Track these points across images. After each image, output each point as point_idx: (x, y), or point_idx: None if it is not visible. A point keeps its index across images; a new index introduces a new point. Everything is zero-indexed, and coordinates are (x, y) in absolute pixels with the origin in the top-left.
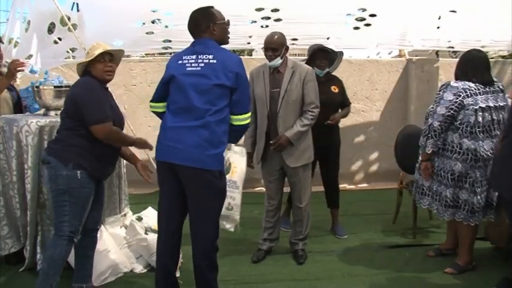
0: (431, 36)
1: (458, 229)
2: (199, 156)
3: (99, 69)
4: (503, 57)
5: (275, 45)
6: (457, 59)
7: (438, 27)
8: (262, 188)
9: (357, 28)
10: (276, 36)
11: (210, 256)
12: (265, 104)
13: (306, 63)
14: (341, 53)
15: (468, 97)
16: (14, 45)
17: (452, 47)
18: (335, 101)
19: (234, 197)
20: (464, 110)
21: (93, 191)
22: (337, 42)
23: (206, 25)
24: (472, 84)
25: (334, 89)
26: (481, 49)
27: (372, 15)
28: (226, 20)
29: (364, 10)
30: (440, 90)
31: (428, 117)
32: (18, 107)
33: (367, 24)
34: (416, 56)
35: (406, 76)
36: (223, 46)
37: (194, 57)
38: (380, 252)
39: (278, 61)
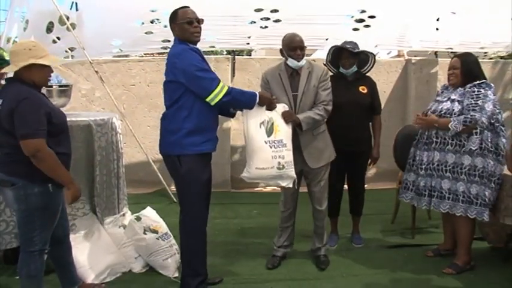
0: (430, 37)
1: (457, 229)
2: (162, 144)
3: (43, 74)
4: (502, 57)
5: (302, 44)
6: None
7: (437, 29)
8: (261, 188)
9: (356, 29)
10: (298, 37)
11: (189, 264)
12: (289, 107)
13: (331, 62)
14: (372, 54)
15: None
16: (12, 44)
17: (451, 48)
18: (362, 101)
19: (282, 155)
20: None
21: (62, 200)
22: (336, 44)
23: (170, 25)
24: None
25: (363, 89)
26: (480, 50)
27: (371, 17)
28: (189, 19)
29: (363, 11)
30: (479, 88)
31: (465, 112)
32: None
33: (367, 26)
34: (415, 56)
35: (405, 76)
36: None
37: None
38: (379, 252)
39: (304, 61)
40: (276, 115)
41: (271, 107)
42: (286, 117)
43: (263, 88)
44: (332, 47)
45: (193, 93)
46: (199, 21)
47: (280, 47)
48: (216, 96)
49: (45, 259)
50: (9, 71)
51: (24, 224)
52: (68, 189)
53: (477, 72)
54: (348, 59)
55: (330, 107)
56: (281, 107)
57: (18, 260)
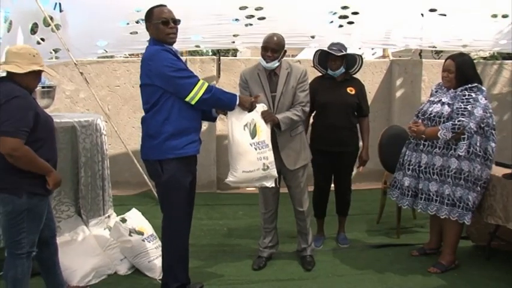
0: (413, 35)
1: (445, 230)
2: (142, 149)
3: (36, 81)
4: (484, 58)
5: (275, 46)
6: (441, 60)
7: (422, 28)
8: (248, 189)
9: (341, 26)
10: (275, 37)
11: (170, 269)
12: (268, 107)
13: (320, 63)
14: (360, 56)
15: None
16: None
17: (435, 47)
18: (349, 102)
19: (266, 156)
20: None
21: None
22: (321, 41)
23: (146, 24)
24: None
25: (351, 90)
26: (462, 49)
27: (355, 13)
28: (164, 19)
29: (346, 8)
30: (470, 92)
31: (454, 116)
32: None
33: (350, 22)
34: (399, 56)
35: (389, 77)
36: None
37: None
38: (364, 252)
39: (275, 64)
40: (256, 115)
41: (252, 108)
42: (266, 116)
43: (242, 87)
44: (317, 51)
45: (171, 96)
46: (176, 22)
47: None
48: (196, 95)
49: (31, 262)
50: (14, 71)
51: (10, 227)
52: (48, 176)
53: (471, 75)
54: (335, 62)
55: (307, 108)
56: (260, 107)
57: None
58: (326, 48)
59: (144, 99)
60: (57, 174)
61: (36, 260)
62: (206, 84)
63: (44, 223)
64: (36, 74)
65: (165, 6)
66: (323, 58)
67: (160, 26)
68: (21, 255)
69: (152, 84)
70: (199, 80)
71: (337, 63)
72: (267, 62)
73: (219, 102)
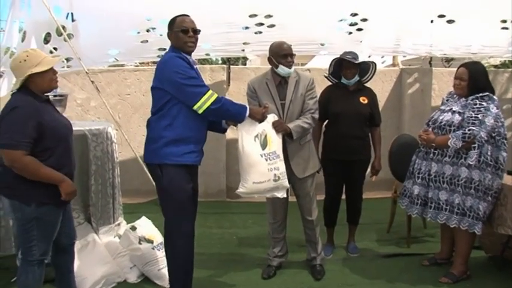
0: (424, 42)
1: (457, 240)
2: (145, 152)
3: (46, 79)
4: (495, 66)
5: (292, 51)
6: (451, 68)
7: (431, 35)
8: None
9: (350, 33)
10: (286, 44)
11: (176, 280)
12: (278, 116)
13: (332, 72)
14: (374, 64)
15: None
16: (9, 55)
17: (445, 54)
18: (362, 112)
19: (277, 167)
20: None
21: (61, 213)
22: (330, 49)
23: (168, 32)
24: None
25: (363, 100)
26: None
27: (364, 20)
28: (184, 28)
29: (356, 15)
30: (482, 101)
31: (464, 125)
32: None
33: (360, 29)
34: (409, 65)
35: (399, 85)
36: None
37: None
38: (374, 261)
39: (293, 68)
40: (267, 126)
41: (263, 118)
42: (277, 126)
43: (249, 97)
44: (334, 60)
45: (179, 103)
46: (196, 32)
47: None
48: (203, 104)
49: (44, 270)
50: (15, 88)
51: (21, 233)
52: (60, 186)
53: (484, 83)
54: (350, 70)
55: (316, 115)
56: (271, 117)
57: None
58: (342, 57)
59: (153, 101)
60: (70, 184)
61: (52, 265)
62: (215, 95)
63: (62, 231)
64: (40, 73)
65: (187, 16)
66: (336, 67)
67: (180, 34)
68: (32, 262)
69: (162, 88)
70: (209, 90)
71: (352, 72)
72: (289, 68)
73: (227, 114)
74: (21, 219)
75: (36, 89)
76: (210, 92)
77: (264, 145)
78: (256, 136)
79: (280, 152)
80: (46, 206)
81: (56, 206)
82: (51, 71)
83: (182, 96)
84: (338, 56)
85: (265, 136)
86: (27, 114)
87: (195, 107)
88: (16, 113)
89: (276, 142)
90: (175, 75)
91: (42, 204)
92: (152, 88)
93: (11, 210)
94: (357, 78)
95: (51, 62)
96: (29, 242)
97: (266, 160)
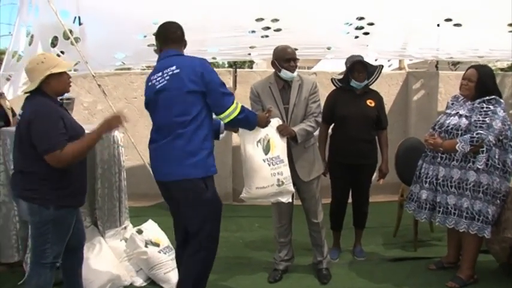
0: (430, 46)
1: (464, 244)
2: (178, 168)
3: (62, 81)
4: (502, 69)
5: (295, 56)
6: (458, 72)
7: (438, 38)
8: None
9: (356, 37)
10: (290, 48)
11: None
12: (282, 120)
13: (344, 76)
14: (380, 66)
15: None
16: (17, 59)
17: (451, 57)
18: (369, 115)
19: (280, 171)
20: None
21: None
22: (337, 52)
23: (182, 36)
24: None
25: (370, 102)
26: (479, 59)
27: (370, 24)
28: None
29: (362, 19)
30: (488, 104)
31: (472, 129)
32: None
33: (366, 33)
34: (416, 68)
35: (406, 89)
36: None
37: (160, 74)
38: (381, 265)
39: (296, 72)
40: (271, 131)
41: (266, 124)
42: (282, 130)
43: (253, 101)
44: (349, 59)
45: (208, 110)
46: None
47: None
48: (231, 113)
49: (54, 272)
50: (31, 89)
51: (37, 236)
52: (109, 128)
53: (491, 86)
54: (362, 73)
55: (319, 119)
56: (275, 122)
57: None
58: (356, 59)
59: (180, 108)
60: (108, 122)
61: (61, 267)
62: (240, 104)
63: (72, 232)
64: (57, 75)
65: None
66: (348, 70)
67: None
68: (46, 265)
69: (200, 91)
70: (235, 99)
71: (364, 75)
72: (292, 72)
73: (248, 123)
74: (38, 222)
75: (51, 91)
76: (236, 101)
77: (266, 150)
78: (259, 141)
79: (284, 157)
80: (64, 209)
81: (73, 208)
82: (67, 74)
83: (215, 103)
84: (344, 59)
85: (268, 141)
86: (55, 115)
87: (222, 115)
88: (45, 116)
89: (279, 147)
90: (217, 80)
91: (61, 207)
92: (185, 93)
93: (29, 213)
94: (366, 81)
95: (67, 64)
96: (44, 244)
97: (269, 165)
